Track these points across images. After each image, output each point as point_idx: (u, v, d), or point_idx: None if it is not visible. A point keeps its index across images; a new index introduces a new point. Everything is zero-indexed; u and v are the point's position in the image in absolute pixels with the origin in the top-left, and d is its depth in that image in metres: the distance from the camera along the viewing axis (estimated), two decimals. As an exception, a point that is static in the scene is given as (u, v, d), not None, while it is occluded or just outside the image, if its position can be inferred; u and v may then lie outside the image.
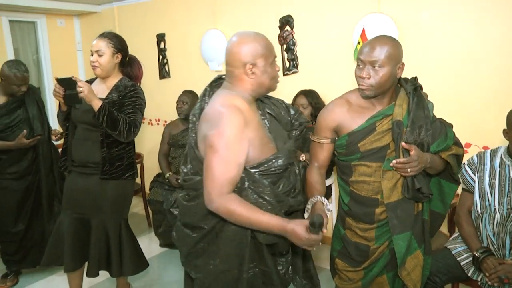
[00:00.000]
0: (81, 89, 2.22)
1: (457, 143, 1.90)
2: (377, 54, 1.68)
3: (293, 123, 1.88)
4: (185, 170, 1.69)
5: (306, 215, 1.73)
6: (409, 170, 1.71)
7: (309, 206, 1.75)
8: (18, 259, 3.12)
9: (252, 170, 1.58)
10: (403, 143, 1.72)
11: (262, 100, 1.80)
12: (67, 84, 2.26)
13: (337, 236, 2.00)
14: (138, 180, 4.18)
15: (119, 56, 2.46)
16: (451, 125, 1.92)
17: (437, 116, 1.89)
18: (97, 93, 2.38)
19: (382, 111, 1.78)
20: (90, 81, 2.58)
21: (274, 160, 1.61)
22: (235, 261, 1.62)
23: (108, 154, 2.40)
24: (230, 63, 1.65)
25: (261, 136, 1.62)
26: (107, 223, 2.49)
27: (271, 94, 1.80)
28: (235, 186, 1.56)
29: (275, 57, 1.70)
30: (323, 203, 1.72)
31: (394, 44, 1.72)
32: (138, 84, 2.59)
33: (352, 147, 1.81)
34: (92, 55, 2.41)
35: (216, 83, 1.77)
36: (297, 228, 1.49)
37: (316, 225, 1.48)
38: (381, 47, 1.69)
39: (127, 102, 2.40)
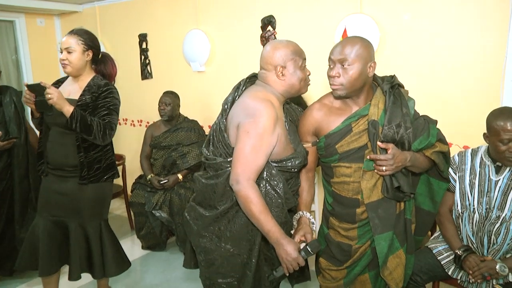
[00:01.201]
0: (50, 95, 2.14)
1: (441, 140, 1.88)
2: (346, 53, 1.70)
3: None
4: (206, 152, 1.82)
5: (292, 231, 1.81)
6: (384, 168, 1.70)
7: (294, 223, 1.83)
8: None
9: (273, 164, 1.71)
10: (379, 143, 1.72)
11: (285, 106, 1.91)
12: (37, 90, 2.18)
13: (321, 235, 2.01)
14: (120, 182, 4.14)
15: (90, 53, 2.37)
16: (435, 122, 1.91)
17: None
18: (70, 94, 2.31)
19: (357, 112, 1.79)
20: (62, 80, 2.50)
21: (293, 159, 1.74)
22: (246, 246, 1.74)
23: (86, 158, 2.34)
24: (264, 66, 1.80)
25: (286, 135, 1.77)
26: (86, 225, 2.43)
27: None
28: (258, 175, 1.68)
29: (305, 60, 1.81)
30: (308, 219, 1.81)
31: (363, 43, 1.73)
32: (113, 82, 2.51)
33: (330, 149, 1.82)
34: (61, 52, 2.33)
35: (250, 80, 1.89)
36: (290, 246, 1.62)
37: (311, 253, 1.62)
38: (350, 46, 1.71)
39: (101, 104, 2.33)
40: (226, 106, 1.82)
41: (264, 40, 3.51)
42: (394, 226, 1.83)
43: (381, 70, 2.01)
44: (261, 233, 1.70)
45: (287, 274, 1.70)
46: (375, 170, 1.75)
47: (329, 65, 1.77)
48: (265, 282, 1.85)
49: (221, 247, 1.75)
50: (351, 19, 2.99)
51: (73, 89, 2.38)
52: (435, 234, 2.33)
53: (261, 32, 3.52)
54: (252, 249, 1.74)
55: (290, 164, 1.73)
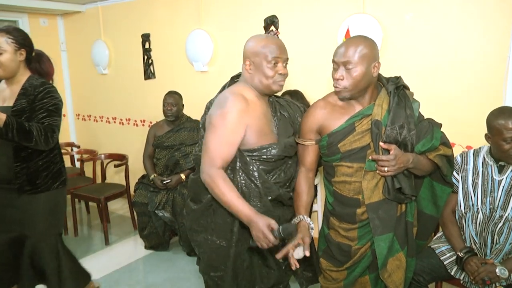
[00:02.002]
0: None
1: (445, 143, 1.87)
2: (350, 55, 1.68)
3: None
4: (197, 149, 1.94)
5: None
6: (386, 169, 1.69)
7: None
8: None
9: (245, 153, 1.75)
10: (381, 143, 1.71)
11: (279, 102, 1.95)
12: None
13: (322, 235, 2.01)
14: (123, 181, 4.16)
15: (23, 52, 2.19)
16: (440, 125, 1.90)
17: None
18: (5, 100, 2.18)
19: (361, 111, 1.78)
20: None
21: (269, 148, 1.76)
22: (226, 236, 1.80)
23: (28, 168, 2.19)
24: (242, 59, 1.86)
25: (261, 126, 1.77)
26: (41, 240, 2.28)
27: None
28: (227, 163, 1.74)
29: (280, 58, 1.78)
30: (308, 224, 1.79)
31: (367, 44, 1.71)
32: (50, 81, 2.33)
33: (333, 148, 1.80)
34: None
35: (237, 77, 1.96)
36: (261, 222, 1.62)
37: (281, 235, 1.62)
38: (353, 48, 1.68)
39: (38, 106, 2.15)
40: (209, 104, 1.92)
41: (267, 40, 3.50)
42: (394, 228, 1.81)
43: (384, 70, 2.00)
44: (239, 224, 1.76)
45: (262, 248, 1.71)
46: (377, 171, 1.74)
47: (333, 67, 1.76)
48: (263, 279, 1.87)
49: (208, 239, 1.82)
50: (354, 19, 2.99)
51: (8, 94, 2.22)
52: (438, 234, 2.33)
53: (264, 32, 3.52)
54: (230, 239, 1.79)
55: (265, 153, 1.75)
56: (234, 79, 1.97)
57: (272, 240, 1.62)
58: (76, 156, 4.83)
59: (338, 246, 1.90)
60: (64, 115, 5.50)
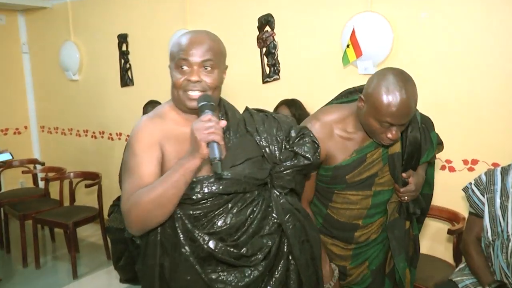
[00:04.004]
0: None
1: (440, 143, 2.02)
2: (411, 111, 1.65)
3: (281, 157, 1.63)
4: None
5: None
6: (407, 198, 1.86)
7: None
8: None
9: None
10: (404, 174, 1.83)
11: (252, 114, 1.70)
12: None
13: None
14: (95, 204, 4.09)
15: None
16: (433, 126, 1.96)
17: (436, 129, 1.97)
18: None
19: (374, 142, 1.80)
20: None
21: (198, 186, 1.48)
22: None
23: None
24: None
25: (184, 153, 1.47)
26: None
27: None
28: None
29: (185, 60, 1.46)
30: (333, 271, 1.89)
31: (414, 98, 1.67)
32: None
33: (338, 179, 1.85)
34: None
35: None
36: (192, 132, 1.37)
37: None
38: (409, 108, 1.63)
39: None
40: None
41: (262, 42, 3.50)
42: (406, 245, 1.99)
43: None
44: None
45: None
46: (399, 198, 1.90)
47: (383, 125, 1.67)
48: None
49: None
50: (360, 18, 2.99)
51: None
52: (461, 266, 2.30)
53: (257, 33, 3.52)
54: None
55: (191, 194, 1.47)
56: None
57: (214, 121, 1.37)
58: (40, 175, 4.75)
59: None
60: (26, 127, 5.46)
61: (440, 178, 2.67)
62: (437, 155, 2.19)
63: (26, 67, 5.27)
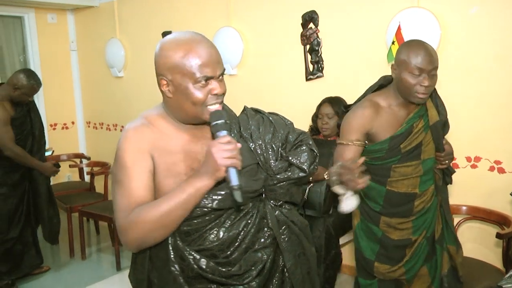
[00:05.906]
0: None
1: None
2: (435, 60, 2.00)
3: (274, 169, 1.54)
4: None
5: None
6: (447, 161, 2.18)
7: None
8: (9, 269, 3.47)
9: None
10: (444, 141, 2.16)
11: (248, 117, 1.61)
12: None
13: (371, 239, 2.25)
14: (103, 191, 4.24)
15: None
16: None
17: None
18: None
19: (417, 113, 2.13)
20: None
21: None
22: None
23: None
24: None
25: (174, 165, 1.43)
26: None
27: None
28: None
29: (207, 76, 1.36)
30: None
31: (434, 50, 2.06)
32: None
33: (394, 150, 2.11)
34: None
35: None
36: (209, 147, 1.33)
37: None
38: (434, 53, 2.01)
39: None
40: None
41: (305, 39, 3.51)
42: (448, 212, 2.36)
43: (442, 72, 2.15)
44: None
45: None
46: (438, 166, 2.20)
47: (414, 74, 1.99)
48: None
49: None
50: (406, 14, 2.96)
51: None
52: (511, 272, 2.25)
53: (301, 30, 3.53)
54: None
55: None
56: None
57: (231, 140, 1.33)
58: (86, 169, 4.92)
59: (395, 244, 2.19)
60: (73, 123, 5.65)
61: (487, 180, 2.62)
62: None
63: (74, 64, 5.43)
